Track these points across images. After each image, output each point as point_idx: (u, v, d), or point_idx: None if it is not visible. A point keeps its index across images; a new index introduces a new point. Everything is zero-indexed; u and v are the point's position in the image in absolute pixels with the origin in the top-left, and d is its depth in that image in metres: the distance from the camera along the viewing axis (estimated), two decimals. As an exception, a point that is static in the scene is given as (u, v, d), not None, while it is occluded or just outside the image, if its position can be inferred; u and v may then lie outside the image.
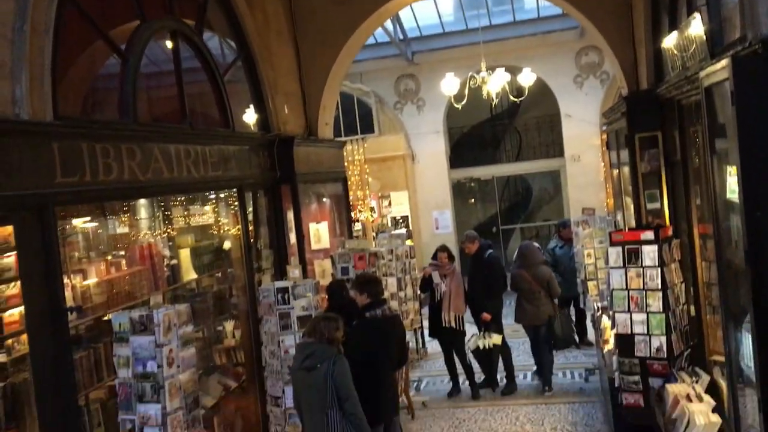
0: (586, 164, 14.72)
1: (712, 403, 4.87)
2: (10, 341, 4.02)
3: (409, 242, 10.45)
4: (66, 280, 4.70)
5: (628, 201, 7.23)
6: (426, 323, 9.08)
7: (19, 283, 4.05)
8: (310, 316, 5.86)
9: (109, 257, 5.56)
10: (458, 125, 16.49)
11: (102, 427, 5.06)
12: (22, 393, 3.95)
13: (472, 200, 17.99)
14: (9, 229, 4.06)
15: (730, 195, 3.68)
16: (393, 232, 11.07)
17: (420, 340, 10.37)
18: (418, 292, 9.53)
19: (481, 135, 17.13)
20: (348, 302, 6.27)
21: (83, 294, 4.95)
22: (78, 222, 5.30)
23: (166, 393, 4.37)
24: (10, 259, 4.35)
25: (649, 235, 5.79)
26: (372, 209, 14.22)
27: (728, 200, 3.73)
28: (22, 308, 4.14)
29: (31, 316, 3.98)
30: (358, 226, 12.93)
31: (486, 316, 8.40)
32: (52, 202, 4.18)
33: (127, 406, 4.44)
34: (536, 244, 9.17)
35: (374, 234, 13.09)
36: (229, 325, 6.98)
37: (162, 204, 6.47)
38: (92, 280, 5.15)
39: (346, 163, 11.24)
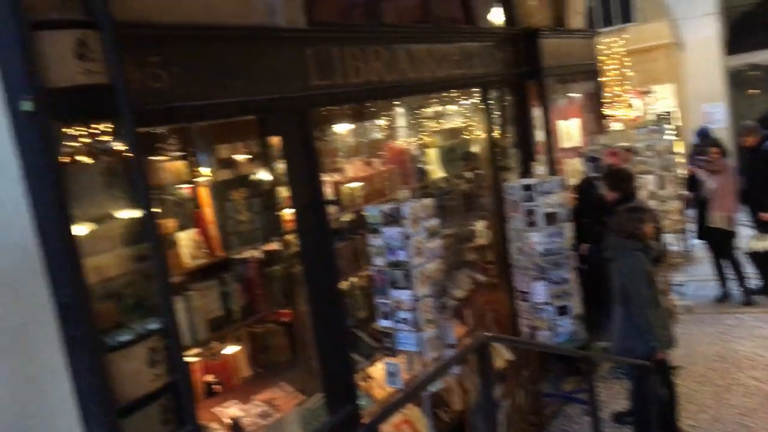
0: None
1: None
2: (288, 237, 4.52)
3: (672, 136, 9.59)
4: (327, 178, 5.14)
5: None
6: (692, 225, 8.43)
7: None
8: (555, 213, 5.75)
9: (365, 157, 5.93)
10: (735, 4, 14.43)
11: (364, 310, 5.56)
12: (294, 278, 4.48)
13: (753, 90, 15.82)
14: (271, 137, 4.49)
15: None
16: (651, 126, 10.24)
17: (684, 243, 9.67)
18: (686, 192, 8.81)
19: (765, 14, 14.83)
20: (597, 199, 6.02)
21: (342, 191, 5.37)
22: (337, 127, 5.73)
23: (415, 280, 4.66)
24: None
25: None
26: (630, 105, 13.25)
27: None
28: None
29: (299, 210, 4.43)
30: (617, 125, 12.19)
31: (765, 215, 7.55)
32: (308, 102, 4.53)
33: (382, 291, 4.82)
34: None
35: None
36: (479, 225, 7.13)
37: (412, 107, 6.68)
38: (350, 177, 5.57)
39: (603, 57, 10.54)
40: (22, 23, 2.73)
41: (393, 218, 4.69)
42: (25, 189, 2.90)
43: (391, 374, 4.83)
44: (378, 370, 5.28)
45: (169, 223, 3.90)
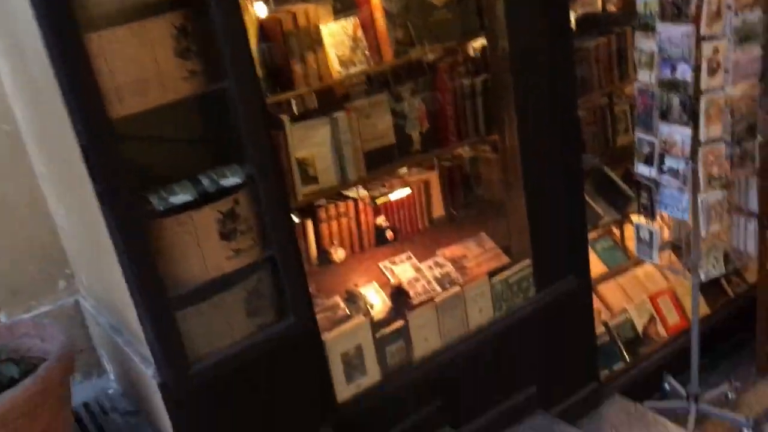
0: None
1: None
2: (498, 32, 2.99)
3: None
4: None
5: None
6: None
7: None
8: None
9: None
10: None
11: (629, 133, 3.92)
12: (503, 95, 3.01)
13: None
14: None
15: None
16: None
17: None
18: None
19: None
20: None
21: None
22: None
23: (701, 113, 2.89)
24: None
25: None
26: None
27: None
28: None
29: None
30: None
31: None
32: None
33: (645, 123, 3.14)
34: None
35: None
36: None
37: None
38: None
39: None
40: None
41: (679, 10, 2.85)
42: None
43: (642, 242, 3.31)
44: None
45: (309, 10, 2.65)
